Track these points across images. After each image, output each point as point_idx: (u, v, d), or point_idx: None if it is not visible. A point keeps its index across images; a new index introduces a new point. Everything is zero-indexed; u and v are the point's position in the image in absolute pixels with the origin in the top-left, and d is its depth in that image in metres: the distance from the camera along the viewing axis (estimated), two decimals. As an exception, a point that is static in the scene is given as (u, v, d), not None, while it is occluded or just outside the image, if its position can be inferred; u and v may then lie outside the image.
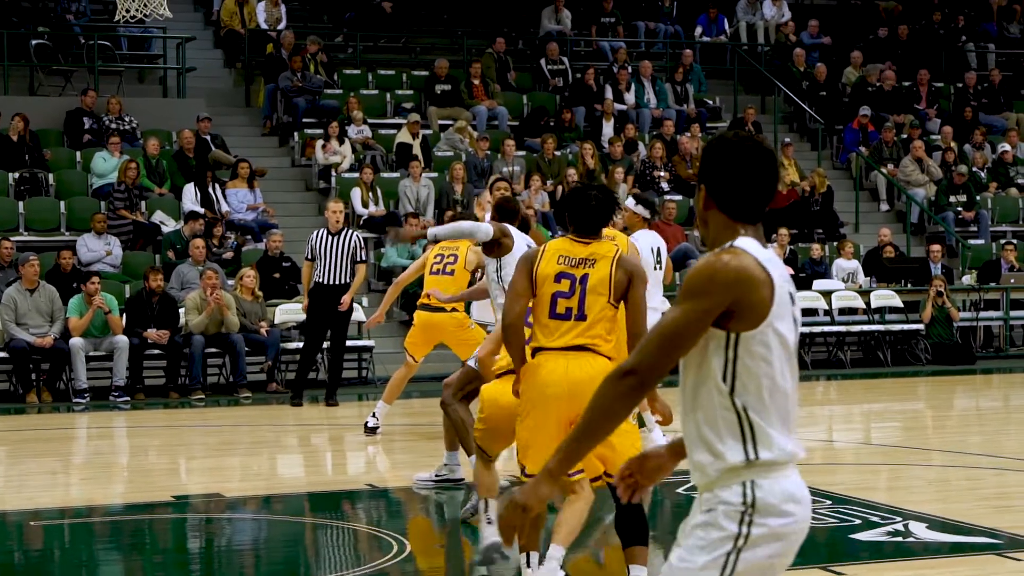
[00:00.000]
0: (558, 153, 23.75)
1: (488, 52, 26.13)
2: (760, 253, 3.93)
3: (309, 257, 16.67)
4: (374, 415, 14.07)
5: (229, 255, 20.22)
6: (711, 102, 27.25)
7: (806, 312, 21.24)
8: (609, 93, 25.87)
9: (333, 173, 22.58)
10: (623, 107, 25.88)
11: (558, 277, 7.02)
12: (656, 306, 11.23)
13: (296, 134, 23.69)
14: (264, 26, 25.47)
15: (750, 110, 26.19)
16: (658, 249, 12.01)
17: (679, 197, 23.66)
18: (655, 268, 11.79)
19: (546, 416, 6.99)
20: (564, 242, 7.16)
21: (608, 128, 25.22)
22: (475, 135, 23.82)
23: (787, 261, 21.85)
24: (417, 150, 23.03)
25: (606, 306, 7.03)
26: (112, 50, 24.45)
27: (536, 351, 7.08)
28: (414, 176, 22.09)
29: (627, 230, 11.64)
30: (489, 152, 23.40)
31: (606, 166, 23.64)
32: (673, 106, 26.39)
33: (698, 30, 28.81)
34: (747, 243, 3.95)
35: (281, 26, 25.45)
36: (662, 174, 24.14)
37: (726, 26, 28.97)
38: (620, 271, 7.04)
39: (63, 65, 24.11)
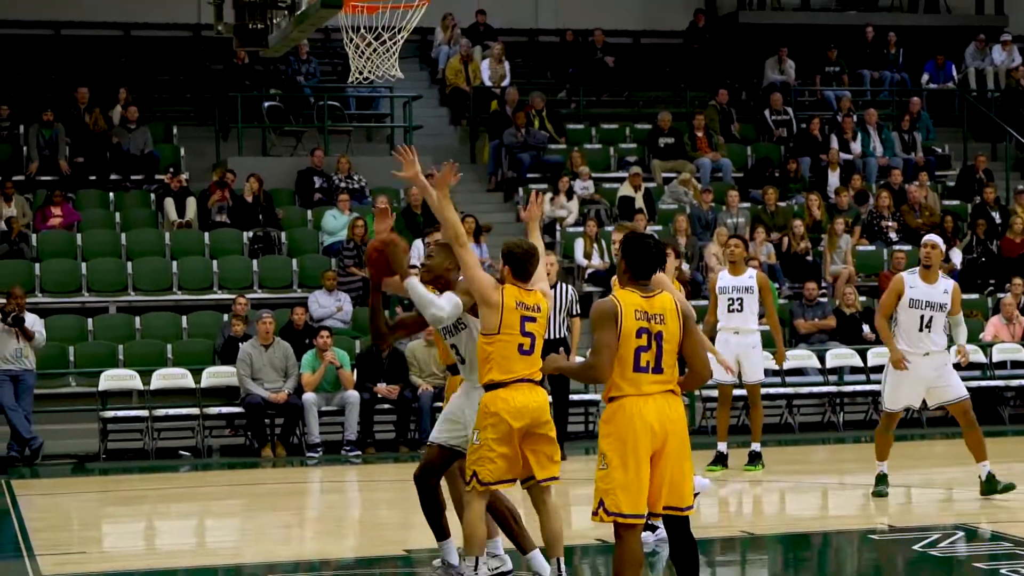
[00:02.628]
0: (782, 204, 23.56)
1: (711, 104, 26.08)
2: None
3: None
4: None
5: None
6: (940, 150, 26.79)
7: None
8: (834, 143, 25.60)
9: (557, 227, 22.73)
10: (849, 157, 25.58)
11: (639, 332, 7.47)
12: None
13: (520, 189, 23.89)
14: (488, 83, 25.80)
15: (980, 157, 25.70)
16: None
17: (908, 247, 23.26)
18: None
19: (639, 456, 7.42)
20: (633, 296, 7.56)
21: (834, 178, 24.94)
22: (699, 187, 23.77)
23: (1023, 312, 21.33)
24: (640, 203, 23.06)
25: (675, 355, 7.57)
26: (341, 110, 25.00)
27: (618, 397, 7.50)
28: (638, 229, 22.10)
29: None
30: (713, 204, 23.33)
31: (832, 216, 23.37)
32: (900, 155, 26.00)
33: (925, 77, 28.37)
34: None
35: (505, 83, 25.75)
36: (890, 224, 23.77)
37: (954, 72, 28.48)
38: (683, 323, 7.59)
39: (294, 126, 24.74)
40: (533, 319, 8.56)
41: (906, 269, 14.26)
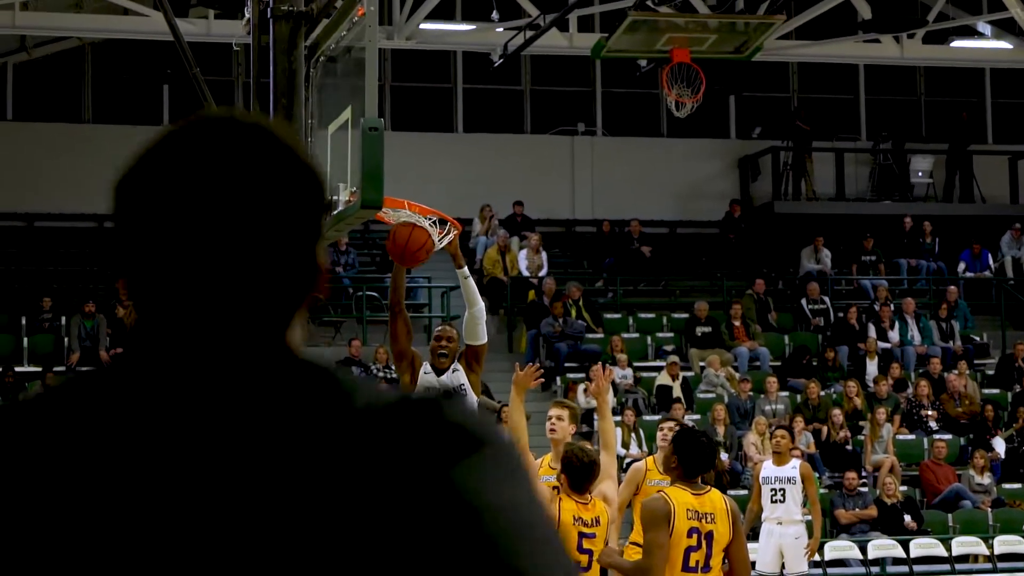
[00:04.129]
0: (823, 393, 23.49)
1: (748, 293, 26.16)
2: None
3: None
4: None
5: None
6: (978, 338, 26.74)
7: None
8: (872, 331, 25.60)
9: (595, 417, 22.66)
10: (887, 345, 25.55)
11: (689, 532, 7.42)
12: None
13: (558, 379, 23.91)
14: (525, 273, 25.98)
15: (1020, 346, 25.61)
16: None
17: (948, 436, 23.13)
18: None
19: None
20: (684, 494, 7.50)
21: (872, 367, 24.89)
22: (736, 376, 23.75)
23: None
24: (678, 392, 23.03)
25: (722, 553, 7.54)
26: (379, 300, 25.18)
27: None
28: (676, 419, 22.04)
29: None
30: (751, 393, 23.28)
31: (871, 405, 23.28)
32: (938, 343, 25.96)
33: (961, 266, 28.44)
34: None
35: (542, 273, 25.93)
36: (930, 413, 23.65)
37: (990, 261, 28.54)
38: (733, 523, 7.57)
39: (333, 316, 24.90)
40: (592, 535, 8.14)
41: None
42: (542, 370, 9.51)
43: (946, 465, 22.35)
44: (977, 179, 29.59)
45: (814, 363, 24.77)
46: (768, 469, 15.36)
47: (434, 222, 9.42)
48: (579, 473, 8.23)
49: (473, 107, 29.02)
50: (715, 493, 7.63)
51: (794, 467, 15.28)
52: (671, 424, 11.27)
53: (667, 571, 7.39)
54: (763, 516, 15.33)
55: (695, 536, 7.40)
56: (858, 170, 29.92)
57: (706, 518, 7.44)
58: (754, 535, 15.38)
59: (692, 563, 7.40)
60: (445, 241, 9.61)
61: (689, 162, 29.14)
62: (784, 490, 15.22)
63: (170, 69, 25.76)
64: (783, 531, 15.22)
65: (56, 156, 26.26)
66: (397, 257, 9.27)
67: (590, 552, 8.15)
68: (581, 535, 8.13)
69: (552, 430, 9.69)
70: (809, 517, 15.56)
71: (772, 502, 15.24)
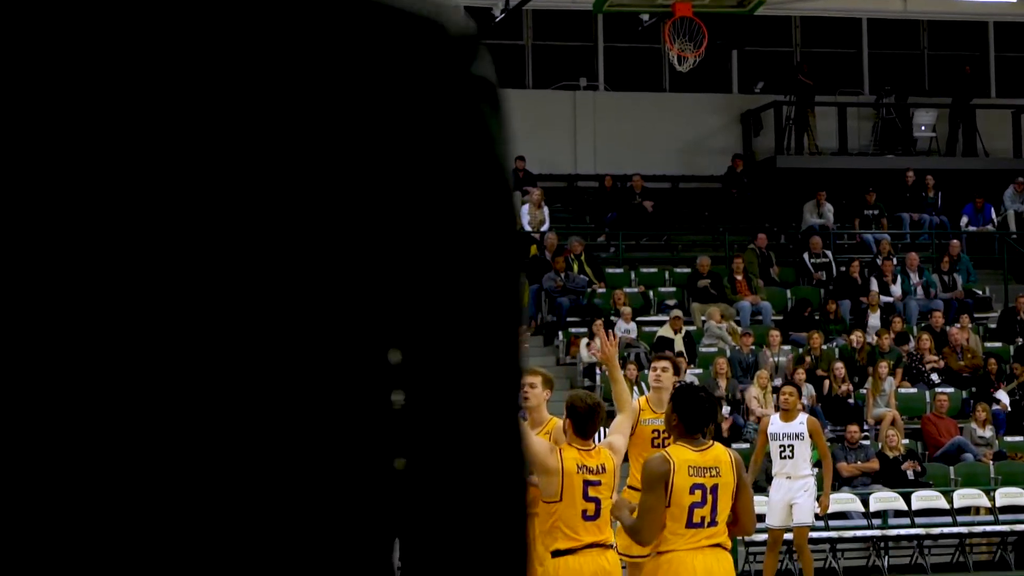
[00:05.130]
0: (825, 347, 23.51)
1: (750, 248, 26.15)
2: None
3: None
4: None
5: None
6: (980, 292, 26.74)
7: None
8: (874, 285, 25.59)
9: (598, 371, 22.71)
10: (889, 299, 25.55)
11: (692, 489, 7.42)
12: None
13: (560, 333, 23.93)
14: (528, 228, 25.95)
15: (1022, 299, 25.62)
16: None
17: (951, 389, 23.15)
18: None
19: None
20: (685, 451, 7.51)
21: (874, 320, 24.90)
22: (738, 330, 23.75)
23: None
24: (680, 346, 23.04)
25: (729, 505, 7.57)
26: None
27: (666, 552, 7.49)
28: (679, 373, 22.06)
29: None
30: (753, 347, 23.29)
31: (873, 359, 23.29)
32: (941, 296, 25.97)
33: (964, 220, 28.41)
34: None
35: (544, 228, 25.90)
36: (932, 366, 23.67)
37: (993, 215, 28.51)
38: (738, 475, 7.60)
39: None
40: (597, 483, 8.06)
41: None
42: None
43: (948, 418, 22.38)
44: (980, 133, 29.55)
45: (816, 316, 24.77)
46: (776, 425, 15.41)
47: None
48: (583, 417, 8.20)
49: (474, 62, 28.90)
50: (718, 447, 7.64)
51: (802, 423, 15.33)
52: (664, 364, 11.32)
53: (671, 527, 7.41)
54: (772, 471, 15.44)
55: (699, 492, 7.41)
56: (861, 124, 29.86)
57: (710, 472, 7.45)
58: (756, 488, 15.44)
59: (697, 519, 7.42)
60: None
61: (691, 117, 29.07)
62: (792, 446, 15.30)
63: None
64: (791, 485, 15.32)
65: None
66: None
67: (597, 500, 8.10)
68: (586, 483, 8.07)
69: (525, 398, 9.65)
70: (817, 470, 15.65)
71: (781, 458, 15.32)
